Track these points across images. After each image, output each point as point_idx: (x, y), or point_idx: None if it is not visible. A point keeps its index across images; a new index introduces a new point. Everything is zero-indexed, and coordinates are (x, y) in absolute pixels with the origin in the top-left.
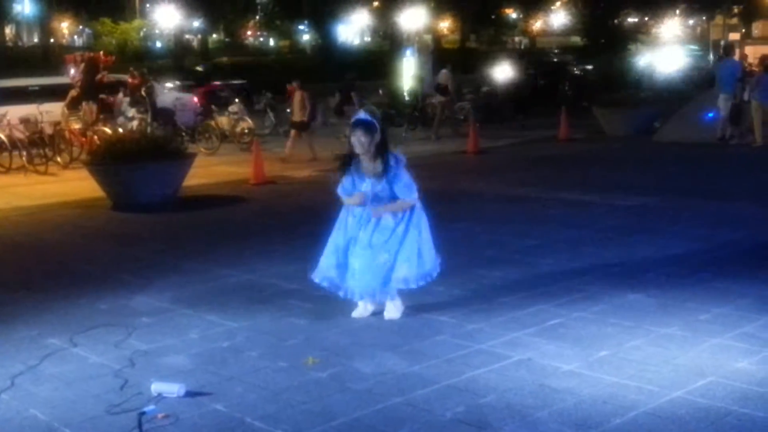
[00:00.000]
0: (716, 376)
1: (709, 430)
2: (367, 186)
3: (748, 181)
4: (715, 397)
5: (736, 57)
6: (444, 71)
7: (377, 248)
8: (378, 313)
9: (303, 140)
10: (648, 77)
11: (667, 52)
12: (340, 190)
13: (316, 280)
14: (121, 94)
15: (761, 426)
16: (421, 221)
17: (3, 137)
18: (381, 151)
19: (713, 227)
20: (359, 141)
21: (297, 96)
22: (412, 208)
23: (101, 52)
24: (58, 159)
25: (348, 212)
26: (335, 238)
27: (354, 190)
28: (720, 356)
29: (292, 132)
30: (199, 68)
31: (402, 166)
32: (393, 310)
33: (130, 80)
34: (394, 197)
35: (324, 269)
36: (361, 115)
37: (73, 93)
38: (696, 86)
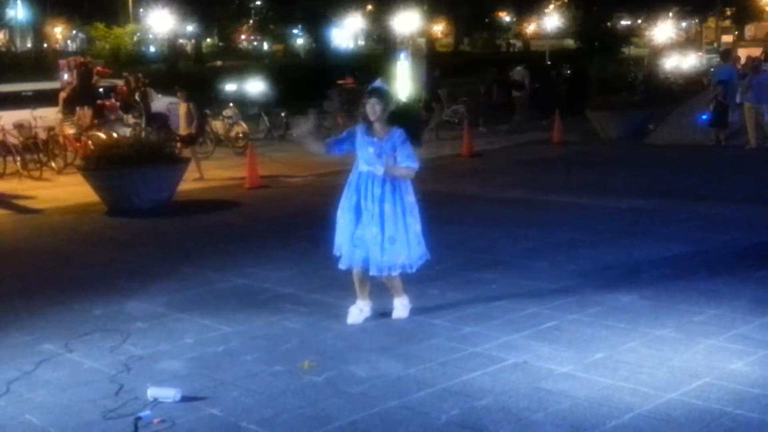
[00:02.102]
0: (711, 377)
1: None
2: (371, 147)
3: (742, 183)
4: (709, 398)
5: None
6: (519, 68)
7: (373, 222)
8: (375, 316)
9: (190, 154)
10: None
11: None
12: (331, 140)
13: (337, 254)
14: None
15: (756, 427)
16: (414, 211)
17: None
18: (393, 120)
19: (707, 229)
20: (373, 108)
21: (182, 108)
22: (406, 199)
23: (99, 68)
24: (53, 164)
25: (350, 186)
26: (341, 216)
27: (345, 145)
28: (714, 358)
29: (180, 147)
30: None
31: (407, 141)
32: (401, 309)
33: (124, 87)
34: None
35: (338, 246)
36: (377, 83)
37: (62, 95)
38: None
